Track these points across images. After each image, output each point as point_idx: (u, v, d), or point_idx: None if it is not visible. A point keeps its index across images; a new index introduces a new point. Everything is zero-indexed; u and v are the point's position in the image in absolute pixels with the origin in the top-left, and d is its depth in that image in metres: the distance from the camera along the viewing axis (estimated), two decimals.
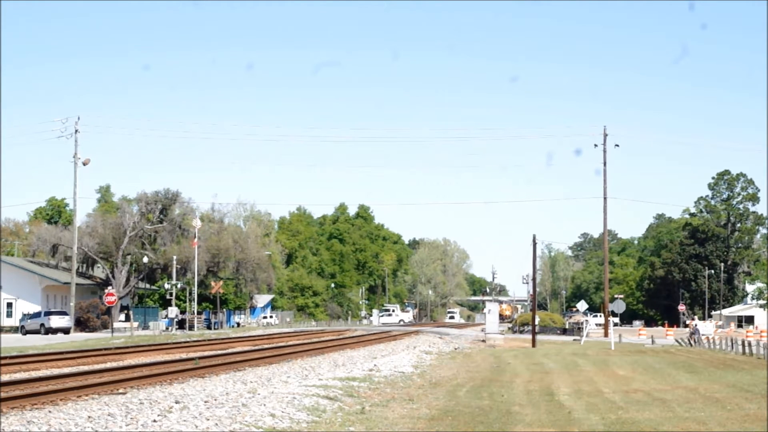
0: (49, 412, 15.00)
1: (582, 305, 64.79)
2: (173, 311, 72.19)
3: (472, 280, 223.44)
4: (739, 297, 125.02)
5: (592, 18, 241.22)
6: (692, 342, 48.22)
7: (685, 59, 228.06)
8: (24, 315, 69.45)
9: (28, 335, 61.56)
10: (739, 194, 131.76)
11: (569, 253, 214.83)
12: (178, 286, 74.25)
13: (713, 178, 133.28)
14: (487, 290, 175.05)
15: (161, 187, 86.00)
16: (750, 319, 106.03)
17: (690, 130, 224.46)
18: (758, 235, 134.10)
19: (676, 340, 53.10)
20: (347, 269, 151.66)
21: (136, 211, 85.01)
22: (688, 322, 75.38)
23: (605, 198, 68.56)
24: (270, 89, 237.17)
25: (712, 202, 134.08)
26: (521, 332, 67.98)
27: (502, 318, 75.85)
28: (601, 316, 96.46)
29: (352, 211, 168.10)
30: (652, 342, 51.69)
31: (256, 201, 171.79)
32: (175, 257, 76.29)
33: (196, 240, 75.05)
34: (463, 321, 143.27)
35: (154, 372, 22.98)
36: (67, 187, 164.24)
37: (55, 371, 24.80)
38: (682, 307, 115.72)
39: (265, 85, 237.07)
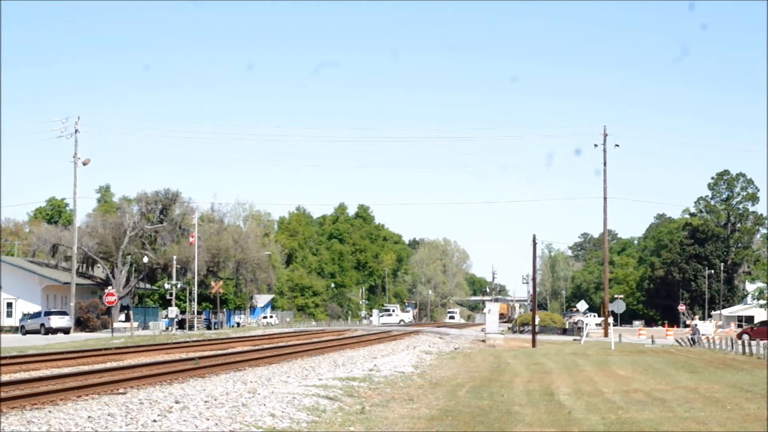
0: (49, 412, 15.00)
1: (582, 305, 64.83)
2: (173, 311, 72.19)
3: (472, 280, 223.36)
4: (739, 297, 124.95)
5: (592, 18, 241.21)
6: (692, 342, 48.19)
7: (685, 59, 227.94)
8: (24, 315, 69.44)
9: (28, 335, 61.53)
10: (738, 194, 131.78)
11: (569, 253, 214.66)
12: (178, 286, 74.26)
13: (713, 178, 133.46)
14: (487, 290, 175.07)
15: (161, 187, 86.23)
16: (750, 319, 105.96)
17: (690, 130, 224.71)
18: (758, 235, 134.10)
19: (676, 340, 53.10)
20: (347, 269, 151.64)
21: (136, 211, 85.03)
22: (688, 321, 75.41)
23: (605, 198, 68.66)
24: (270, 89, 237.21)
25: (712, 202, 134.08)
26: (521, 332, 67.99)
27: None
28: (596, 316, 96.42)
29: (351, 211, 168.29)
30: (652, 342, 51.70)
31: (255, 201, 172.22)
32: (175, 257, 76.31)
33: (194, 234, 74.87)
34: (463, 321, 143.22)
35: (154, 372, 22.97)
36: (67, 187, 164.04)
37: (55, 371, 24.78)
38: (682, 307, 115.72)
39: (265, 85, 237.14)
